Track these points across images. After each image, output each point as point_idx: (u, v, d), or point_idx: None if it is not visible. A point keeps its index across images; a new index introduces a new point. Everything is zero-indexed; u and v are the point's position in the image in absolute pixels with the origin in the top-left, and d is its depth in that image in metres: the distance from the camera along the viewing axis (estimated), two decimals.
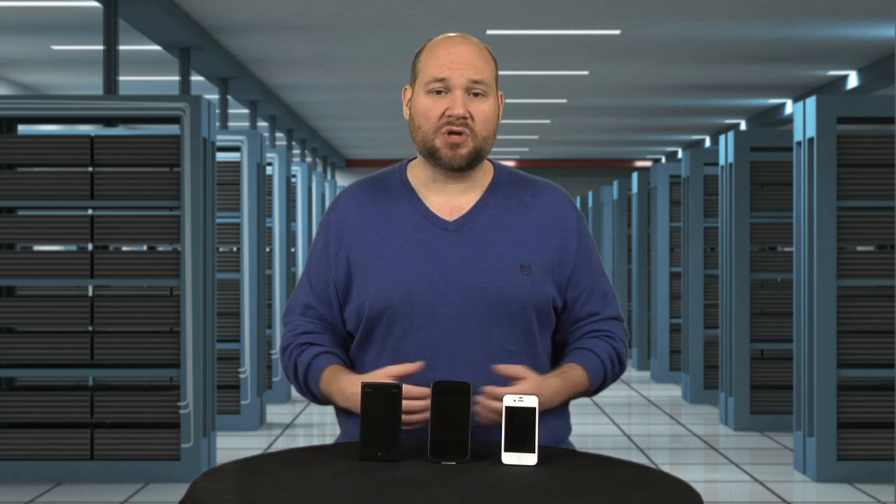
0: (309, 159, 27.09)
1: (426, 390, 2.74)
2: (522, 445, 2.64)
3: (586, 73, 15.80)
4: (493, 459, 2.65)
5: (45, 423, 7.84)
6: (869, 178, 8.11)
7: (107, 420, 7.83)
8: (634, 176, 14.55)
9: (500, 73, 15.65)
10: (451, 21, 11.92)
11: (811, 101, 8.13)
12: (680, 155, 28.64)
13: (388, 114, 20.73)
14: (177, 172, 7.81)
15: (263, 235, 10.39)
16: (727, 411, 10.36)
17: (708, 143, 25.31)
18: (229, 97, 16.80)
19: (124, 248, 9.76)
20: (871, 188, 8.11)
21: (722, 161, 10.45)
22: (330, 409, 11.16)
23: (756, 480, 8.05)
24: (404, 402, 2.73)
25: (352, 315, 2.97)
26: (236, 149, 10.14)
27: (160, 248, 9.71)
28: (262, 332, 10.30)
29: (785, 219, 10.23)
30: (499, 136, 25.80)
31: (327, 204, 15.88)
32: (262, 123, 23.73)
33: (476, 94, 2.92)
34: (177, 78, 16.32)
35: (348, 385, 2.87)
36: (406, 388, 2.74)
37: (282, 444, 9.42)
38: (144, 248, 14.28)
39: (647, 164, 32.55)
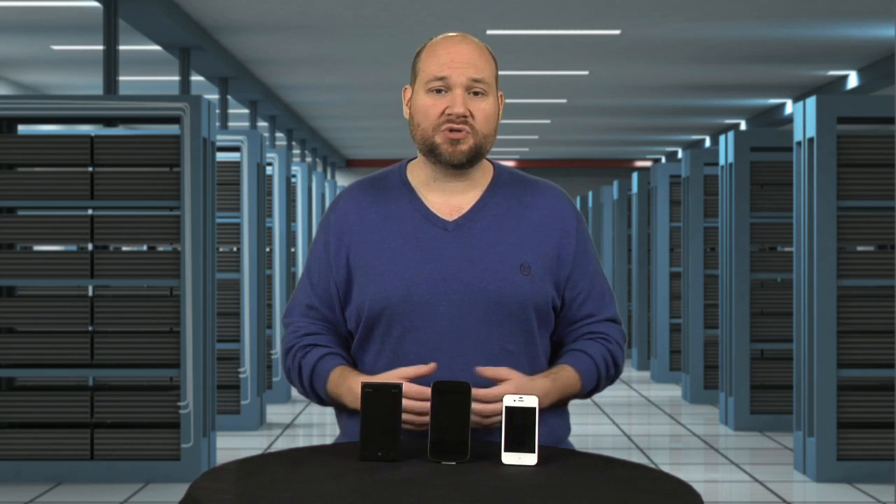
0: (309, 159, 27.09)
1: (426, 390, 2.74)
2: (522, 445, 2.64)
3: (586, 73, 15.80)
4: (493, 459, 2.65)
5: (45, 423, 7.84)
6: (869, 178, 8.11)
7: (107, 420, 7.83)
8: (634, 176, 14.54)
9: (500, 73, 15.65)
10: (451, 21, 11.92)
11: (811, 101, 8.13)
12: (680, 155, 28.63)
13: (388, 114, 20.72)
14: (177, 172, 7.80)
15: (263, 235, 10.38)
16: (727, 411, 10.36)
17: (708, 143, 25.30)
18: (229, 97, 16.79)
19: (124, 248, 9.76)
20: (871, 188, 8.11)
21: (722, 161, 10.45)
22: (330, 410, 11.14)
23: (756, 480, 8.05)
24: (404, 402, 2.73)
25: (352, 315, 2.96)
26: (236, 149, 10.13)
27: (160, 248, 9.71)
28: (262, 332, 10.30)
29: (785, 219, 10.23)
30: (499, 136, 25.79)
31: (327, 204, 15.87)
32: (262, 123, 23.72)
33: (476, 93, 2.92)
34: (177, 78, 16.32)
35: (358, 386, 2.86)
36: (406, 387, 2.74)
37: (282, 444, 9.42)
38: (144, 248, 14.28)
39: (647, 164, 32.54)
